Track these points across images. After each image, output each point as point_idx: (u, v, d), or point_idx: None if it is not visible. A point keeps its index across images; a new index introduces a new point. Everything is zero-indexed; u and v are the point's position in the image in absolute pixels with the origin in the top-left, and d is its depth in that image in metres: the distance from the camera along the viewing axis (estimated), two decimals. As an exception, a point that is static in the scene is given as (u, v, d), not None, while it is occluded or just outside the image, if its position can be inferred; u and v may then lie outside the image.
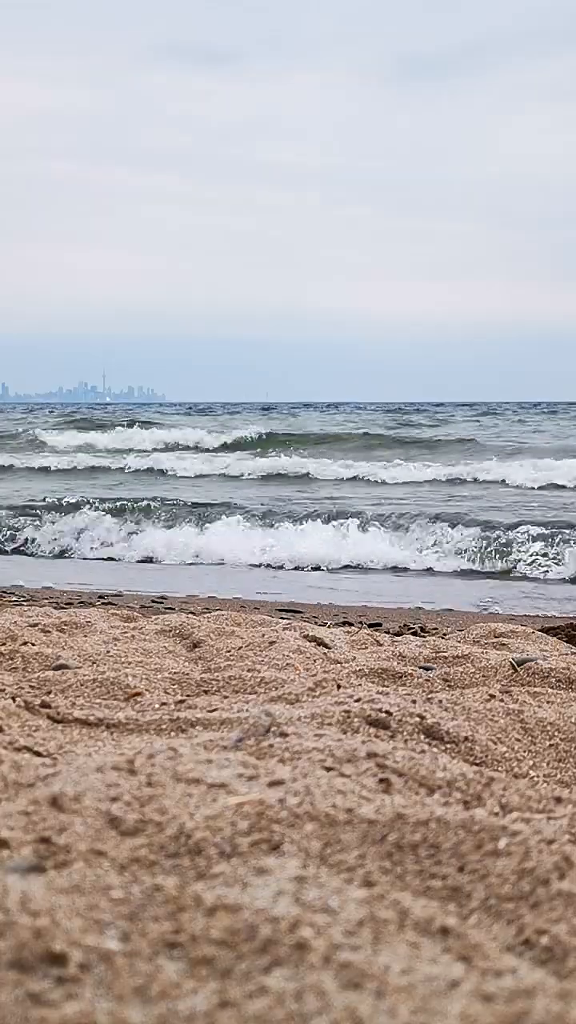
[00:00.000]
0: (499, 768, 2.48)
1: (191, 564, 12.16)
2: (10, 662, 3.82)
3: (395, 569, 11.71)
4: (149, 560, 12.45)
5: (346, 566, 11.73)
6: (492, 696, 2.91)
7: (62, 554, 13.12)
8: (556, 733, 2.71)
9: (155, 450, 28.47)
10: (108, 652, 4.12)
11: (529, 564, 11.32)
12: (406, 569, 11.68)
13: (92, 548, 13.08)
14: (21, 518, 14.16)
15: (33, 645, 4.15)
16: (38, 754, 2.24)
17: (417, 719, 2.55)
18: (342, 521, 13.18)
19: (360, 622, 7.27)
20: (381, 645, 4.85)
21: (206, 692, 3.38)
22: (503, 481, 20.36)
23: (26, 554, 13.15)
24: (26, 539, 13.53)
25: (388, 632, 6.18)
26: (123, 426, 34.88)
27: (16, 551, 13.25)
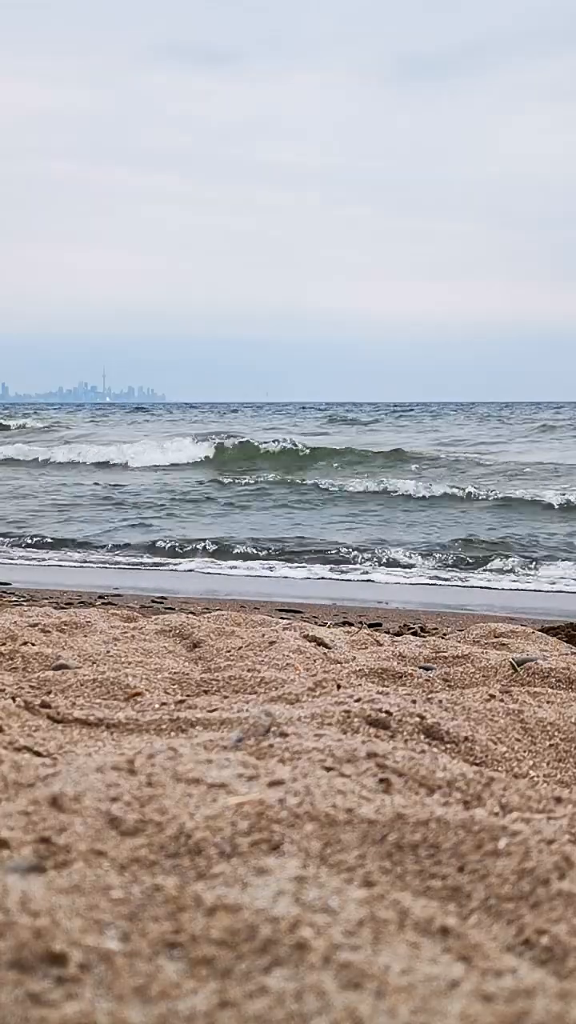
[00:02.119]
0: (499, 768, 2.48)
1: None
2: (10, 662, 3.82)
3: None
4: None
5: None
6: (492, 696, 2.91)
7: None
8: (556, 733, 2.71)
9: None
10: (108, 652, 4.12)
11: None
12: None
13: None
14: None
15: (33, 645, 4.15)
16: (38, 754, 2.24)
17: (417, 719, 2.55)
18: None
19: (360, 622, 7.27)
20: (381, 645, 4.85)
21: (206, 692, 3.37)
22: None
23: None
24: None
25: (388, 632, 6.18)
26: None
27: None
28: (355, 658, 4.23)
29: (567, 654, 4.44)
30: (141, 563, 12.07)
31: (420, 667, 3.89)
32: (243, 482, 21.17)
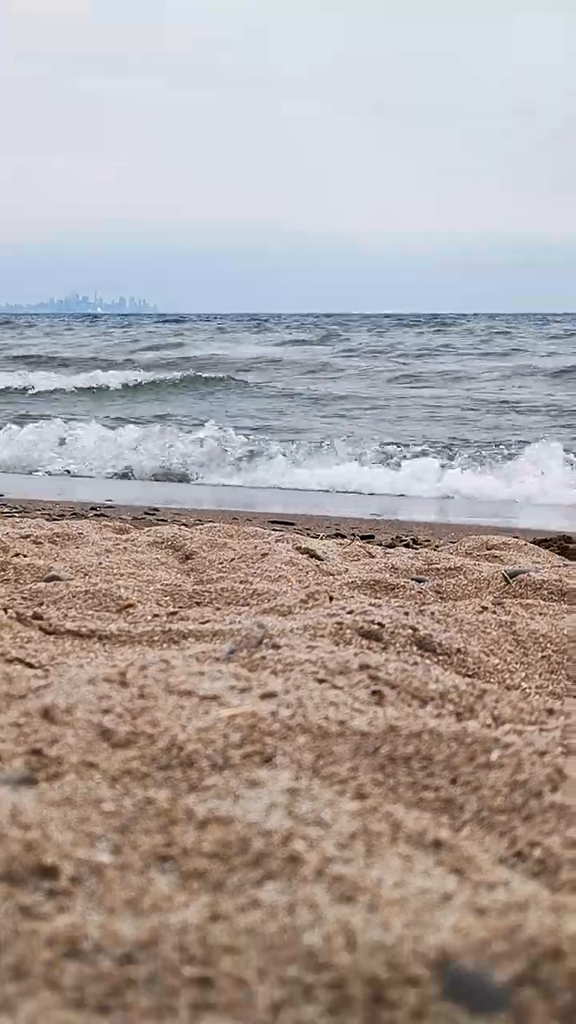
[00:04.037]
0: (491, 680, 2.48)
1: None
2: (2, 573, 3.81)
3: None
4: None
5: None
6: (484, 608, 2.91)
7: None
8: (548, 645, 2.71)
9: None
10: (100, 564, 4.11)
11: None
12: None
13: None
14: None
15: (25, 556, 4.14)
16: (30, 666, 2.23)
17: (409, 631, 2.55)
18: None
19: (352, 534, 7.27)
20: (373, 557, 4.85)
21: (198, 604, 3.37)
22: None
23: None
24: None
25: (380, 544, 6.18)
26: None
27: None
28: (347, 570, 4.23)
29: (559, 566, 4.44)
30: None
31: (412, 579, 3.89)
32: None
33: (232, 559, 4.48)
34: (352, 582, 3.63)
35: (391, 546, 6.10)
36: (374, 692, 1.98)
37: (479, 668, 2.51)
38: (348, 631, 2.50)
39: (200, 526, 5.76)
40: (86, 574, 3.84)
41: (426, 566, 4.22)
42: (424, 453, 12.73)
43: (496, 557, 4.75)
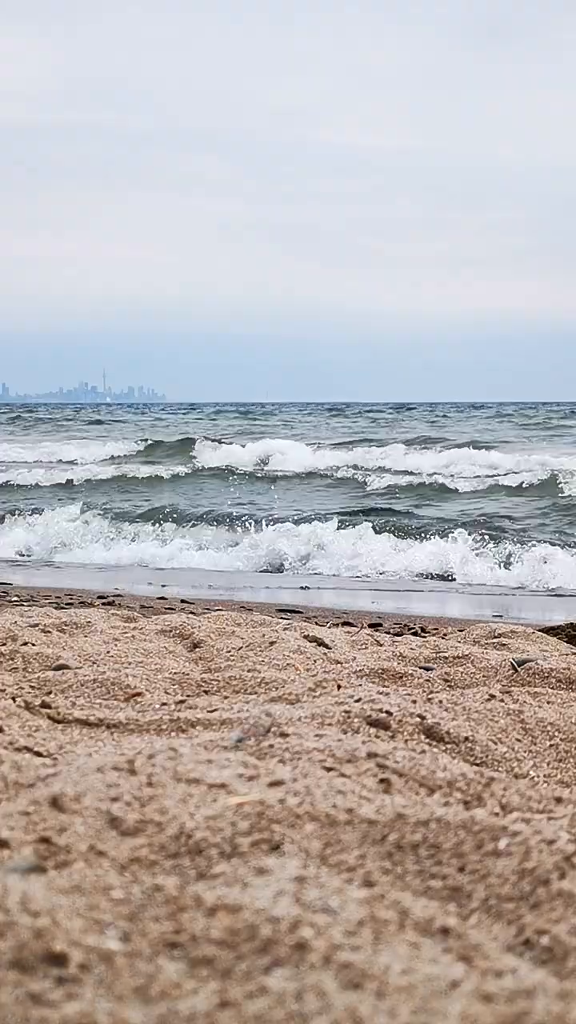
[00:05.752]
0: (499, 768, 2.48)
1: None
2: (10, 662, 3.82)
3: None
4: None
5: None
6: (492, 696, 2.91)
7: None
8: (556, 733, 2.71)
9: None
10: (108, 652, 4.11)
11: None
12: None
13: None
14: None
15: (33, 645, 4.15)
16: (38, 754, 2.24)
17: (417, 719, 2.55)
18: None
19: (360, 622, 7.27)
20: (381, 645, 4.85)
21: (206, 692, 3.37)
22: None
23: None
24: None
25: (388, 632, 6.18)
26: None
27: None
28: (355, 658, 4.23)
29: (567, 654, 4.44)
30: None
31: (420, 667, 3.89)
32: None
33: (240, 647, 4.48)
34: (360, 670, 3.64)
35: (399, 634, 6.10)
36: (382, 780, 1.99)
37: (487, 756, 2.51)
38: (356, 719, 2.50)
39: (208, 614, 5.77)
40: (94, 663, 3.85)
41: (434, 654, 4.22)
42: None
43: (504, 645, 4.75)
